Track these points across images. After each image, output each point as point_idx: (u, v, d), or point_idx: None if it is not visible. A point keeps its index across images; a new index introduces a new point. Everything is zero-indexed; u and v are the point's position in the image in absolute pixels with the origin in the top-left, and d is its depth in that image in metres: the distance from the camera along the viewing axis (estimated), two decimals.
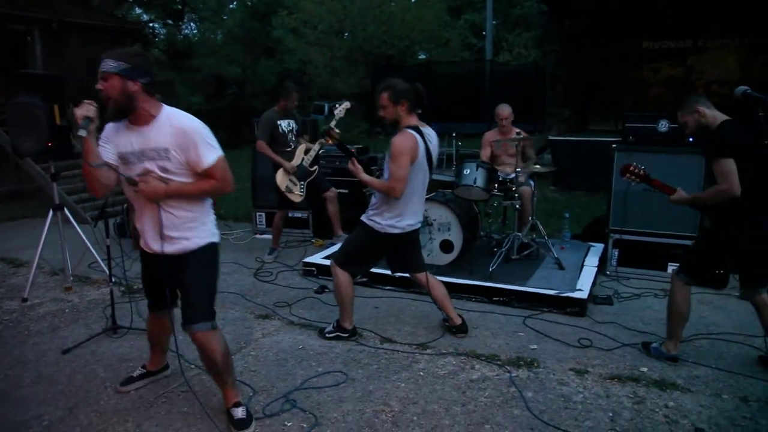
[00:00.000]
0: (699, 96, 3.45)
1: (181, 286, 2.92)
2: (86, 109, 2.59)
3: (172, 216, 2.78)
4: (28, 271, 5.26)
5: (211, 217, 2.95)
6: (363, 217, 3.87)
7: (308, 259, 5.60)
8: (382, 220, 3.74)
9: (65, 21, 10.46)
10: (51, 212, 5.16)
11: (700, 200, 3.45)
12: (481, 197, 5.31)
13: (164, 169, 2.69)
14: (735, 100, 2.63)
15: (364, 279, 5.05)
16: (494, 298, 4.67)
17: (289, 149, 5.85)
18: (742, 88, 2.67)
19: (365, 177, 3.83)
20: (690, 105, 3.41)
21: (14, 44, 10.74)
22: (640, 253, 5.23)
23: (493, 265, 4.92)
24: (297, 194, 5.86)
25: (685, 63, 11.73)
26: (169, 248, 2.81)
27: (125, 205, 7.08)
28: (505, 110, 5.81)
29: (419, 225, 3.93)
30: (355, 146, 7.07)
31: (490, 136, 5.99)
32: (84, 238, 5.37)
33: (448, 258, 5.08)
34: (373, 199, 3.86)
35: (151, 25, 22.64)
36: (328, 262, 4.34)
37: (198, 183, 2.75)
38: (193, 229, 2.84)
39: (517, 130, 5.44)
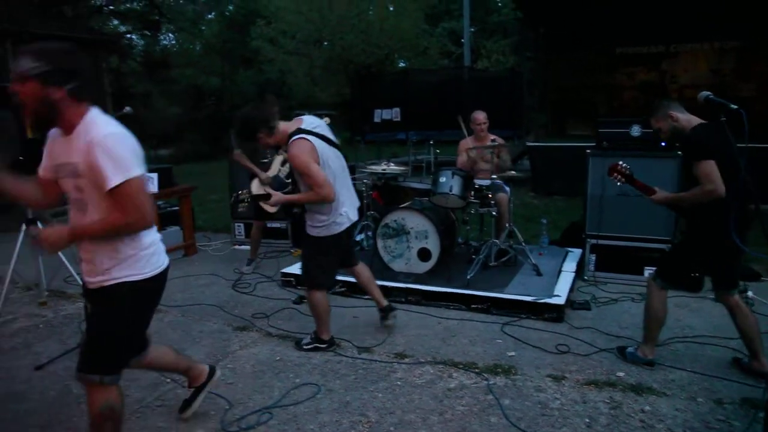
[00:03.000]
0: (671, 101, 3.48)
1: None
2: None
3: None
4: (0, 287, 5.17)
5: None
6: (307, 231, 3.79)
7: (287, 270, 5.56)
8: (324, 222, 3.69)
9: (37, 33, 10.34)
10: (24, 227, 5.08)
11: (683, 200, 3.44)
12: (457, 205, 5.32)
13: (79, 189, 2.21)
14: (699, 106, 2.67)
15: (343, 288, 5.05)
16: (472, 306, 4.67)
17: (265, 160, 5.80)
18: (705, 93, 2.71)
19: (290, 198, 3.75)
20: (663, 110, 3.44)
21: None
22: (617, 257, 5.27)
23: (470, 273, 4.92)
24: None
25: (659, 68, 11.94)
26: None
27: None
28: (480, 115, 5.85)
29: (356, 216, 3.90)
30: None
31: (466, 143, 6.02)
32: (59, 252, 5.30)
33: (426, 266, 5.08)
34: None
35: (128, 36, 22.49)
36: None
37: (104, 219, 2.22)
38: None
39: (492, 137, 5.47)
